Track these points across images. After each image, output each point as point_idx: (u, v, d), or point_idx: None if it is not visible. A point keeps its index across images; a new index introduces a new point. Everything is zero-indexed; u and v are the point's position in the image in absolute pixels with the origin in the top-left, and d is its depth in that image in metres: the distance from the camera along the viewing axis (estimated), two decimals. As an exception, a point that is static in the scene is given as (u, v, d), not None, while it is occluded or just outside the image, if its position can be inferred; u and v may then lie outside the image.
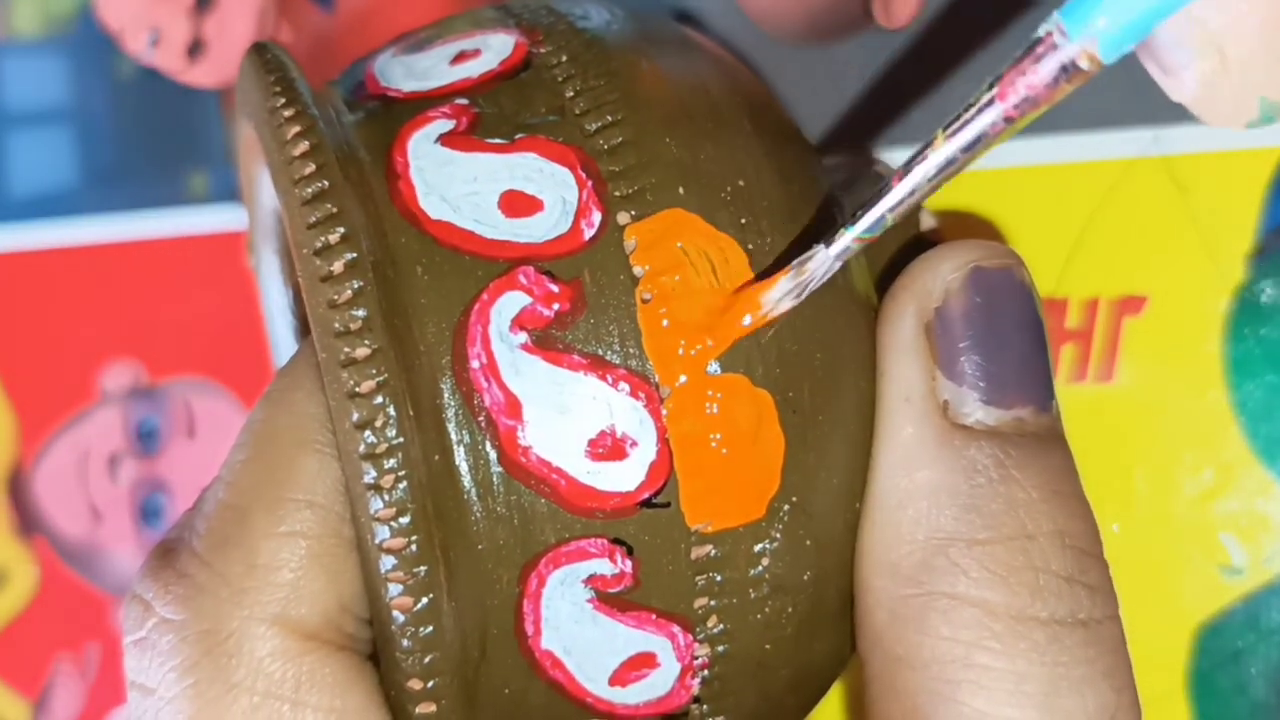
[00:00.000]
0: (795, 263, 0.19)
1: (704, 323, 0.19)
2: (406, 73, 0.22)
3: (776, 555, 0.20)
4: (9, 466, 0.39)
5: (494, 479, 0.19)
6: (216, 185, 0.36)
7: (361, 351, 0.18)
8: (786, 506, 0.20)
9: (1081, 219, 0.27)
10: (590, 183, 0.20)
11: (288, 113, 0.20)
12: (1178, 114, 0.26)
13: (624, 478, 0.19)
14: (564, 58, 0.21)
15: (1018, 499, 0.19)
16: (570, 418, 0.19)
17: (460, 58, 0.22)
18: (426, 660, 0.19)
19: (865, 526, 0.20)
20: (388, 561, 0.18)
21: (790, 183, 0.21)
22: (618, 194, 0.20)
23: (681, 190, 0.20)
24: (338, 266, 0.19)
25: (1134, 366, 0.27)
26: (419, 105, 0.21)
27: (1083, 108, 0.27)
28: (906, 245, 0.22)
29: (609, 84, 0.21)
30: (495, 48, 0.22)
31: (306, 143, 0.19)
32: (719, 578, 0.20)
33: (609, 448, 0.19)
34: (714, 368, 0.19)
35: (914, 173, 0.19)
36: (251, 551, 0.19)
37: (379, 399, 0.18)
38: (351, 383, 0.18)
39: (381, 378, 0.18)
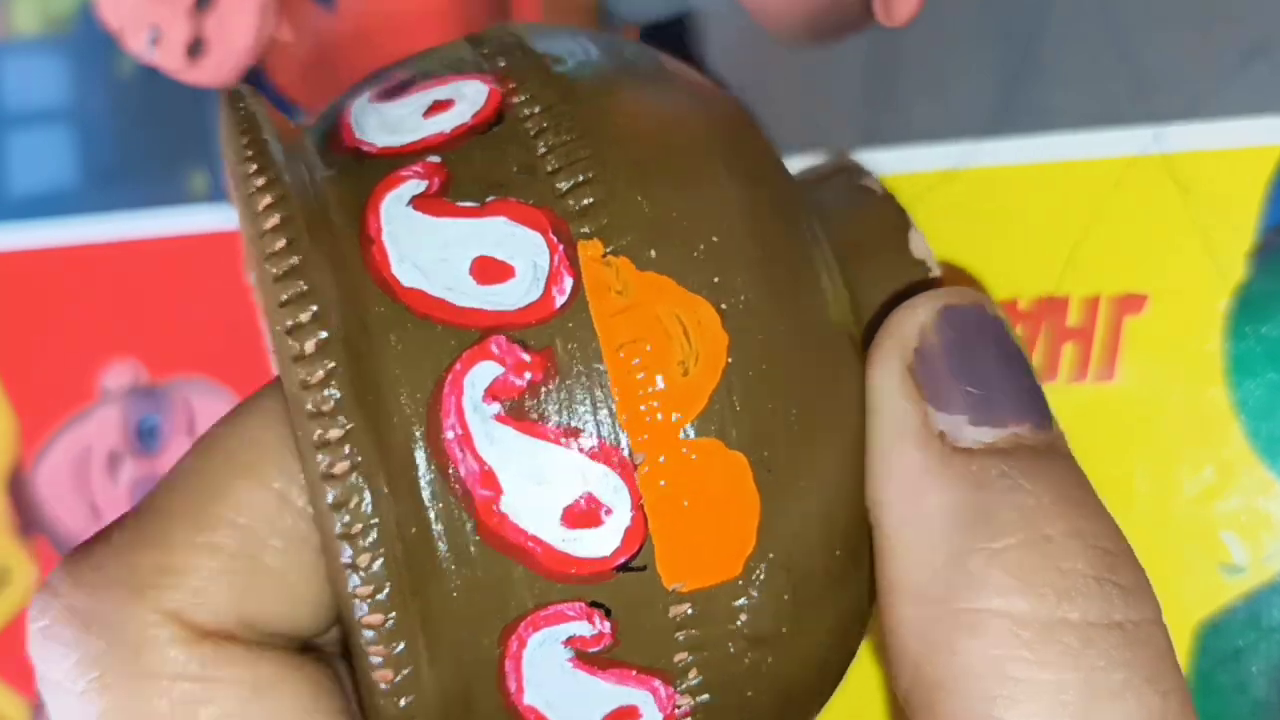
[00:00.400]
0: None
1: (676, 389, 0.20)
2: (380, 124, 0.21)
3: (754, 611, 0.20)
4: (9, 466, 0.39)
5: (471, 548, 0.19)
6: (217, 185, 0.36)
7: (334, 433, 0.19)
8: (763, 564, 0.20)
9: (1082, 217, 0.27)
10: (562, 247, 0.20)
11: (259, 181, 0.20)
12: (1178, 112, 0.26)
13: (600, 544, 0.19)
14: (536, 109, 0.21)
15: (1028, 505, 0.19)
16: (546, 487, 0.19)
17: (434, 109, 0.21)
18: None
19: (884, 563, 0.20)
20: (368, 634, 0.19)
21: (765, 232, 0.21)
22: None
23: (653, 254, 0.20)
24: (309, 346, 0.19)
25: (1135, 365, 0.27)
26: (392, 163, 0.21)
27: (1083, 106, 0.27)
28: (900, 293, 0.22)
29: (580, 140, 0.20)
30: (469, 97, 0.21)
31: (278, 215, 0.19)
32: (697, 633, 0.20)
33: (584, 515, 0.19)
34: (688, 432, 0.19)
35: None
36: (165, 553, 0.19)
37: (353, 479, 0.18)
38: (326, 463, 0.18)
39: (356, 459, 0.18)
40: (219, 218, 0.36)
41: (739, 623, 0.20)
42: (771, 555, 0.20)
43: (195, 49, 0.36)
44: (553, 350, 0.19)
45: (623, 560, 0.19)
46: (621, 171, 0.20)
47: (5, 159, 0.39)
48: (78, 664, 0.19)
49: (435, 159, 0.20)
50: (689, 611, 0.20)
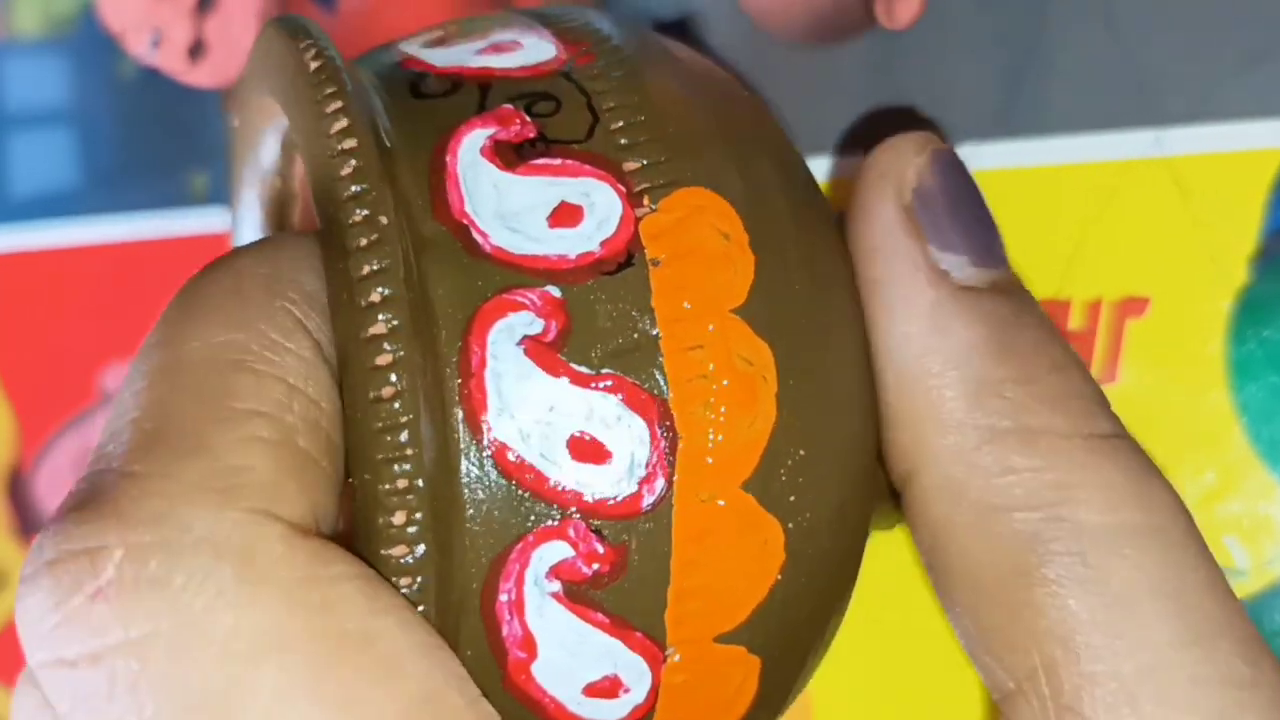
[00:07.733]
0: None
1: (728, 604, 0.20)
2: (497, 207, 0.20)
3: None
4: (9, 467, 0.39)
5: (492, 694, 0.19)
6: (217, 185, 0.36)
7: (405, 581, 0.18)
8: None
9: (1084, 220, 0.27)
10: (663, 444, 0.19)
11: (374, 297, 0.18)
12: (1180, 115, 0.26)
13: (610, 712, 0.20)
14: (663, 255, 0.20)
15: (1038, 339, 0.21)
16: (578, 662, 0.19)
17: (561, 215, 0.20)
18: None
19: (907, 397, 0.21)
20: None
21: (845, 456, 0.21)
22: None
23: (745, 480, 0.20)
24: (397, 487, 0.18)
25: (1136, 368, 0.27)
26: (507, 276, 0.19)
27: (1084, 109, 0.27)
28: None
29: (705, 322, 0.20)
30: (599, 208, 0.20)
31: (388, 353, 0.18)
32: None
33: (605, 690, 0.20)
34: (721, 639, 0.20)
35: None
36: (213, 456, 0.17)
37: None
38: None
39: (420, 609, 0.18)
40: (219, 218, 0.36)
41: None
42: None
43: (197, 51, 0.36)
44: (626, 549, 0.19)
45: None
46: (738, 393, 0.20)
47: (6, 160, 0.39)
48: (179, 595, 0.17)
49: (556, 292, 0.19)
50: None
